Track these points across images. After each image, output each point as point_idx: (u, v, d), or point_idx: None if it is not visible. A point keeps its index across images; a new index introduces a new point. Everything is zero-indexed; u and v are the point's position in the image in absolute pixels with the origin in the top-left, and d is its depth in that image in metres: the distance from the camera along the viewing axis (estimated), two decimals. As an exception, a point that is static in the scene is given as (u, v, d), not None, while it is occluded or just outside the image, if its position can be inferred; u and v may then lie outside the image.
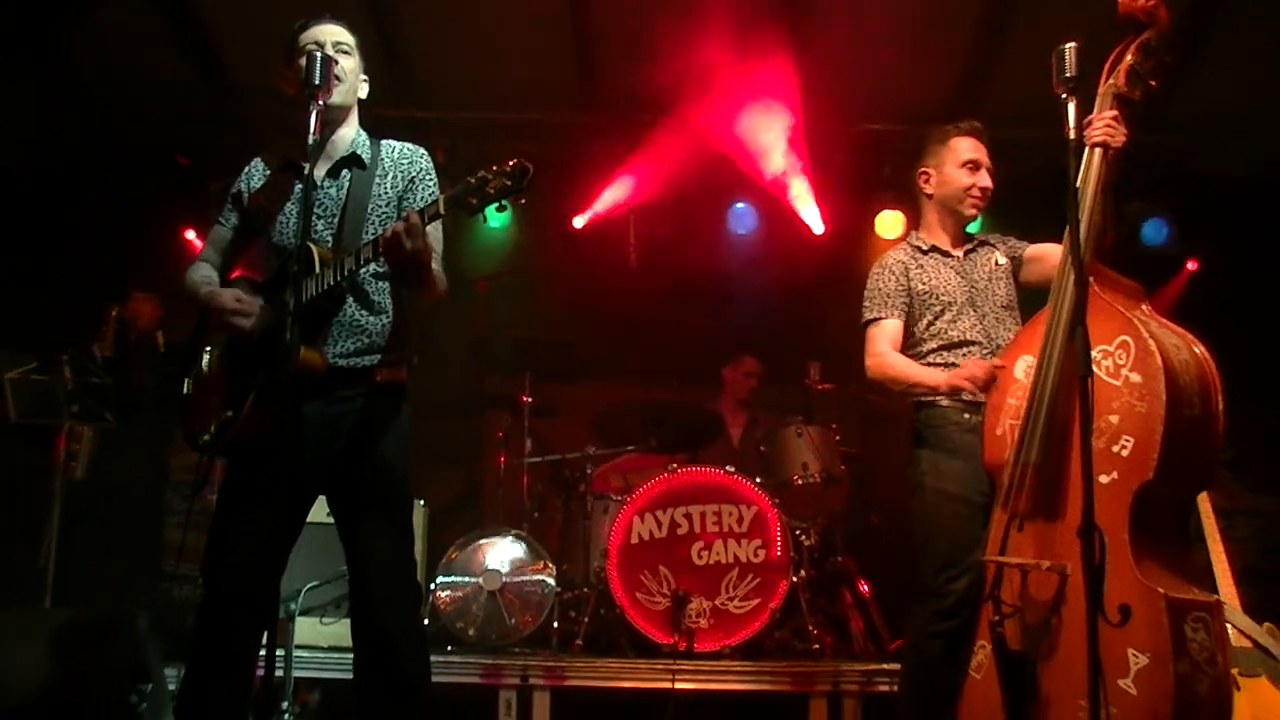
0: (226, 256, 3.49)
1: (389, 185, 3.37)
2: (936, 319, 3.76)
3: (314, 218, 3.29)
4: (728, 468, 5.45)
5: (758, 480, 5.47)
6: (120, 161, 7.26)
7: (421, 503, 5.46)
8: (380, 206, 3.33)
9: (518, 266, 7.22)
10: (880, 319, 3.79)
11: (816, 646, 5.21)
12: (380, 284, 3.32)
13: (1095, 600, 2.78)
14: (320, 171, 3.35)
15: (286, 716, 4.64)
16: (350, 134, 3.41)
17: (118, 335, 6.27)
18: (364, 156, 3.39)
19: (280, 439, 2.80)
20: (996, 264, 3.85)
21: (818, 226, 7.41)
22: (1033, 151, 6.50)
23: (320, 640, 5.01)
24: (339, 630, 4.88)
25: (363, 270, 3.21)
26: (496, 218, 7.28)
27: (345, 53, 3.34)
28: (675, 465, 5.50)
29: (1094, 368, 3.00)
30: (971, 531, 3.48)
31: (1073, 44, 3.04)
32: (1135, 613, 2.90)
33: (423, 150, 3.49)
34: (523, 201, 2.95)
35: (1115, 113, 3.24)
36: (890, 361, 3.73)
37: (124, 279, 6.54)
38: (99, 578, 6.06)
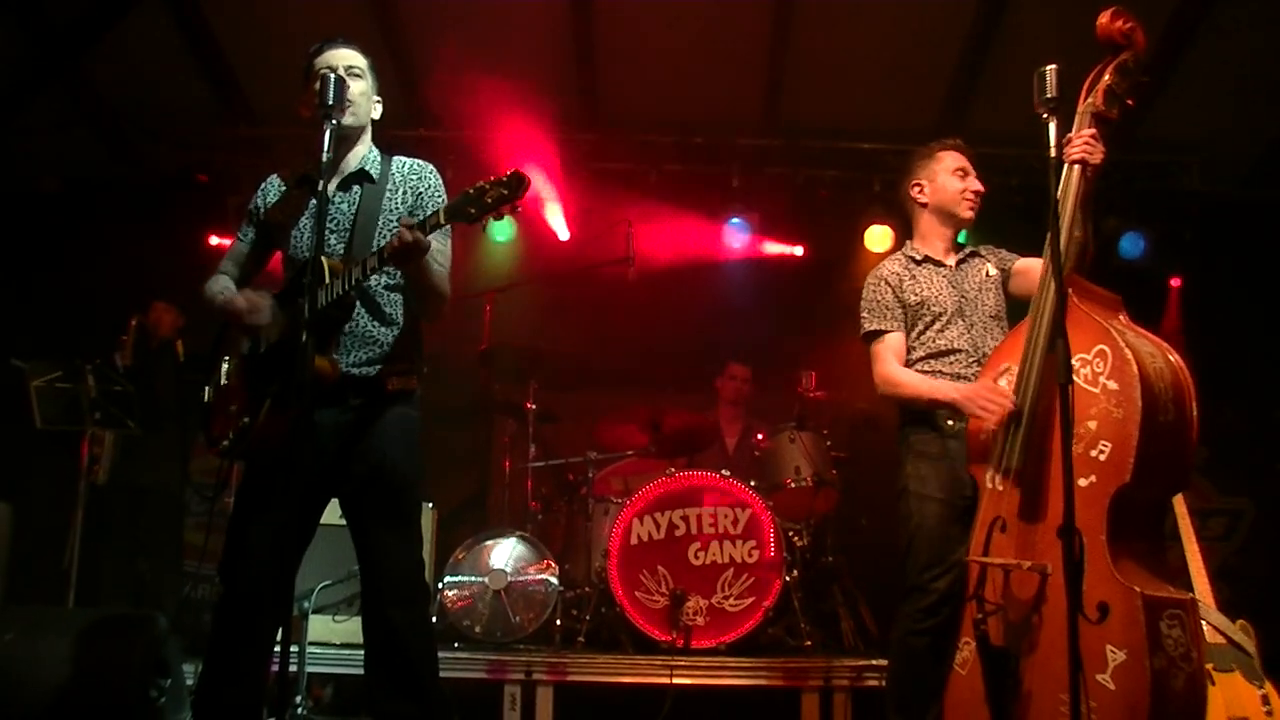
0: (244, 270, 3.56)
1: (399, 199, 3.42)
2: (927, 328, 3.80)
3: (326, 231, 3.34)
4: (723, 472, 5.49)
5: (752, 484, 5.52)
6: (142, 179, 7.40)
7: (430, 505, 5.50)
8: (390, 220, 3.37)
9: (522, 280, 7.31)
10: (884, 332, 3.81)
11: (809, 643, 5.26)
12: (392, 296, 3.39)
13: (1075, 599, 2.83)
14: (331, 186, 3.39)
15: (300, 711, 4.66)
16: (363, 152, 3.46)
17: (139, 344, 6.36)
18: (373, 172, 3.44)
19: (295, 445, 2.85)
20: (987, 275, 3.88)
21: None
22: (1014, 169, 6.61)
23: (333, 637, 5.05)
24: (351, 628, 4.94)
25: (375, 283, 3.29)
26: (501, 231, 7.40)
27: (357, 76, 3.38)
28: (673, 469, 5.54)
29: (1073, 376, 3.03)
30: (954, 533, 3.54)
31: (1053, 66, 3.09)
32: (1113, 610, 2.94)
33: (431, 166, 3.54)
34: (518, 209, 3.03)
35: (1094, 131, 3.28)
36: (900, 379, 3.75)
37: (145, 290, 6.63)
38: (121, 578, 6.16)
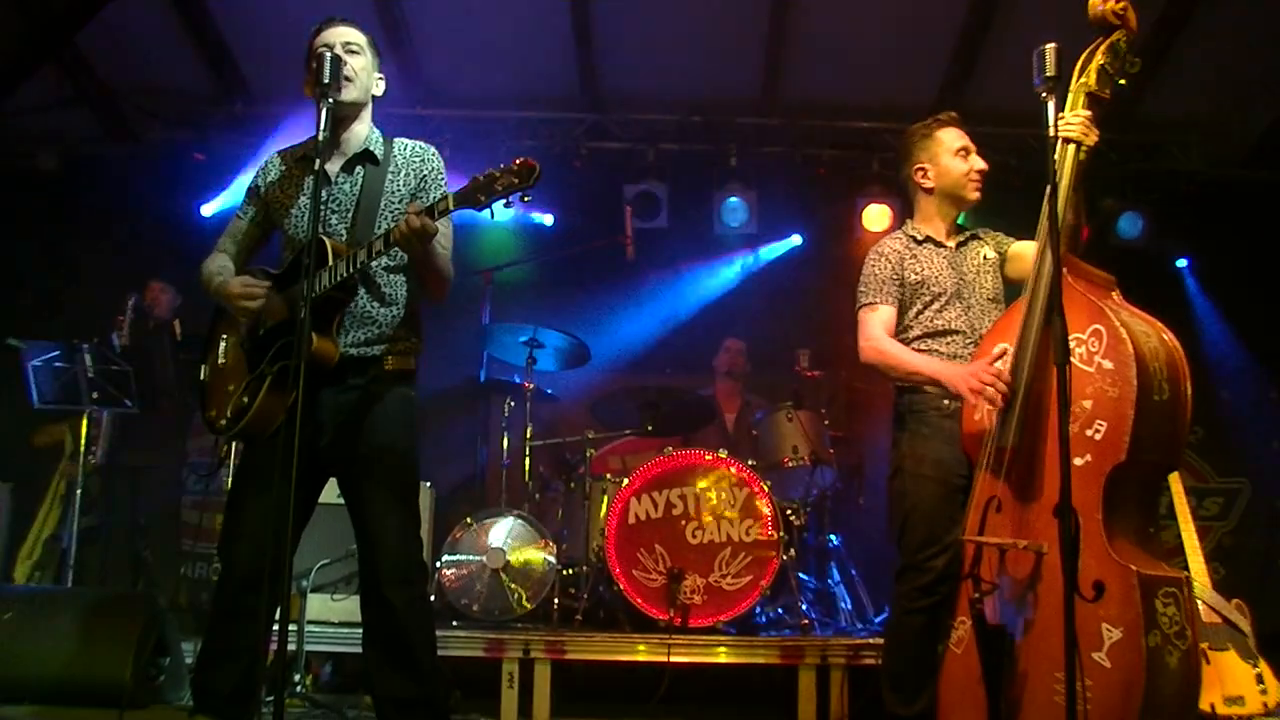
0: (243, 248, 3.55)
1: (401, 182, 3.42)
2: (925, 308, 3.79)
3: (328, 212, 3.35)
4: (721, 451, 5.50)
5: (750, 463, 5.52)
6: (139, 158, 7.39)
7: (428, 484, 5.50)
8: (393, 203, 3.39)
9: (521, 259, 7.31)
10: (875, 304, 3.79)
11: (806, 621, 5.26)
12: (391, 276, 3.39)
13: (1071, 577, 2.81)
14: (334, 167, 3.40)
15: (299, 689, 4.67)
16: (364, 131, 3.45)
17: (136, 324, 6.35)
18: (377, 153, 3.43)
19: (293, 425, 2.85)
20: (985, 258, 3.87)
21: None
22: (1013, 148, 6.59)
23: (331, 615, 5.06)
24: (349, 606, 4.95)
25: (375, 264, 3.29)
26: (502, 213, 7.39)
27: (354, 52, 3.38)
28: (671, 448, 5.53)
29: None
30: (949, 511, 3.53)
31: (1052, 44, 3.06)
32: (1108, 589, 2.94)
33: (433, 149, 3.54)
34: (528, 199, 3.05)
35: (1089, 112, 3.28)
36: (885, 347, 3.73)
37: (142, 269, 6.65)
38: (119, 557, 6.19)
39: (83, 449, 5.81)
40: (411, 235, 3.07)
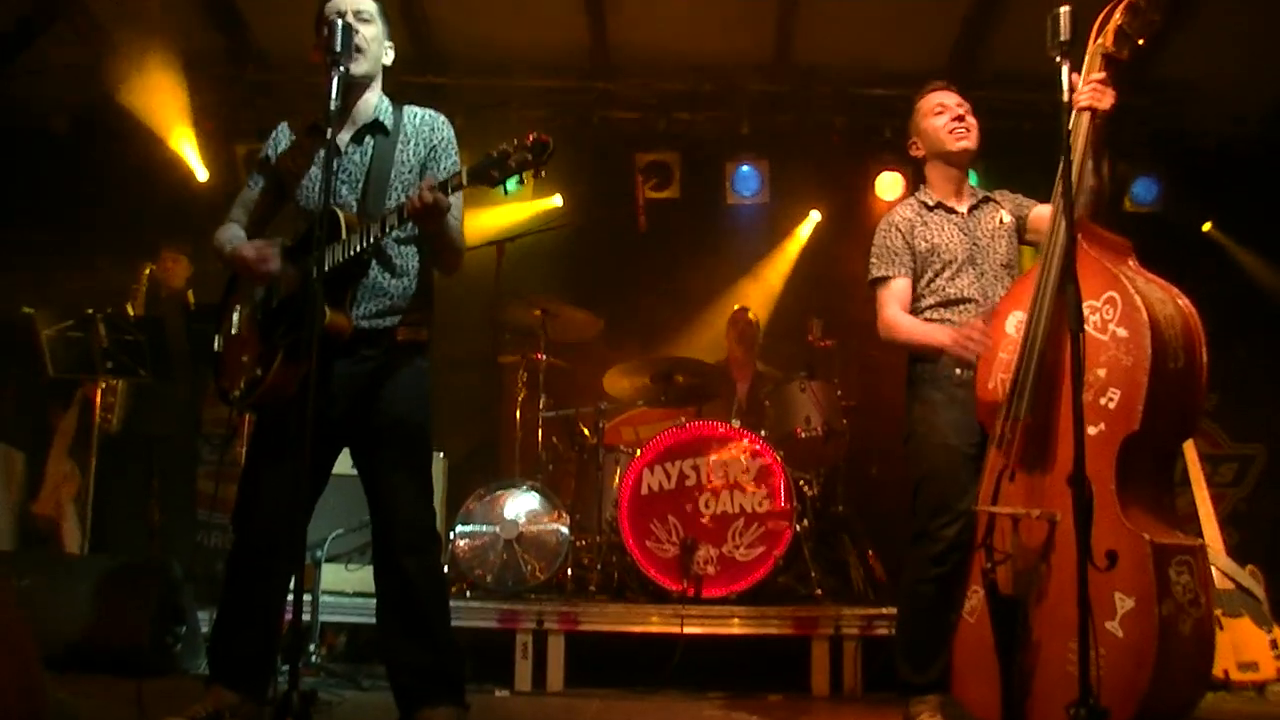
0: (254, 218, 3.55)
1: (411, 152, 3.41)
2: (937, 276, 3.77)
3: (339, 183, 3.33)
4: (734, 421, 5.50)
5: (763, 433, 5.52)
6: (151, 126, 7.38)
7: (441, 455, 5.52)
8: (404, 173, 3.38)
9: (533, 230, 7.30)
10: (889, 278, 3.79)
11: (819, 592, 5.27)
12: (403, 248, 3.38)
13: (1084, 546, 2.81)
14: (345, 137, 3.39)
15: (314, 659, 4.70)
16: (374, 100, 3.43)
17: (150, 293, 6.40)
18: (386, 123, 3.42)
19: (307, 396, 2.86)
20: (1001, 222, 3.84)
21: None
22: (1028, 113, 6.56)
23: (346, 586, 5.09)
24: (364, 576, 4.96)
25: (388, 235, 3.29)
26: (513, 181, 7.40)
27: (366, 21, 3.35)
28: (683, 419, 5.53)
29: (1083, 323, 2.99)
30: (963, 480, 3.52)
31: (1066, 8, 3.04)
32: (1122, 558, 2.93)
33: (444, 118, 3.52)
34: (542, 175, 3.05)
35: (1102, 76, 3.25)
36: (898, 323, 3.75)
37: (154, 236, 6.66)
38: (134, 526, 6.22)
39: (97, 420, 5.85)
40: (424, 210, 3.07)
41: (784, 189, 7.75)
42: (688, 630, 4.84)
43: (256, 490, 3.31)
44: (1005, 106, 6.81)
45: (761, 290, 7.65)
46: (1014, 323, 3.42)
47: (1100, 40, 3.29)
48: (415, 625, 3.30)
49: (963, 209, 3.87)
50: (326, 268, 3.08)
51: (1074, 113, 3.24)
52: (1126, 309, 3.09)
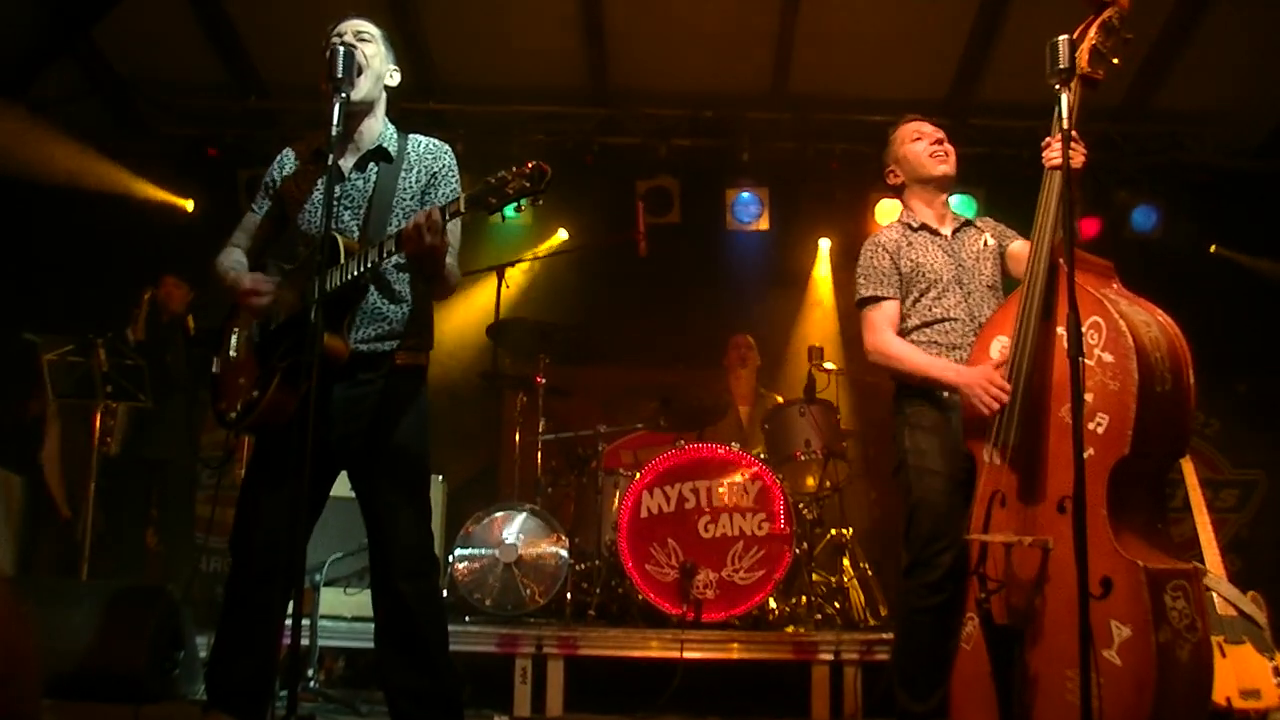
0: (257, 242, 3.56)
1: (414, 179, 3.41)
2: (922, 296, 3.75)
3: (341, 209, 3.34)
4: (733, 444, 5.50)
5: (762, 456, 5.52)
6: (154, 152, 7.43)
7: (440, 478, 5.51)
8: (405, 200, 3.38)
9: (534, 255, 7.33)
10: (880, 298, 3.76)
11: (818, 616, 5.27)
12: (402, 274, 3.38)
13: (1084, 576, 2.78)
14: (348, 163, 3.39)
15: (312, 684, 4.66)
16: (378, 127, 3.44)
17: (150, 318, 6.41)
18: (390, 150, 3.42)
19: (305, 420, 2.85)
20: (985, 244, 3.83)
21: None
22: (1026, 141, 6.57)
23: (344, 610, 5.07)
24: (362, 600, 4.94)
25: (386, 261, 3.26)
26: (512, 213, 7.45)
27: (366, 40, 3.36)
28: (683, 442, 5.53)
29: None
30: (955, 504, 3.49)
31: (1065, 36, 3.06)
32: (1116, 585, 2.92)
33: (446, 146, 3.52)
34: (540, 202, 3.04)
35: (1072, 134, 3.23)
36: (893, 349, 3.69)
37: (156, 263, 6.67)
38: (133, 550, 6.23)
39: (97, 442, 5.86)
40: (420, 252, 3.06)
41: (784, 215, 7.79)
42: (687, 655, 4.82)
43: (255, 514, 3.30)
44: (1005, 134, 6.85)
45: (762, 315, 7.66)
46: (998, 348, 3.41)
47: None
48: (414, 648, 3.29)
49: (946, 231, 3.87)
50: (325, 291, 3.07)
51: (1045, 173, 3.29)
52: (1111, 334, 3.09)
